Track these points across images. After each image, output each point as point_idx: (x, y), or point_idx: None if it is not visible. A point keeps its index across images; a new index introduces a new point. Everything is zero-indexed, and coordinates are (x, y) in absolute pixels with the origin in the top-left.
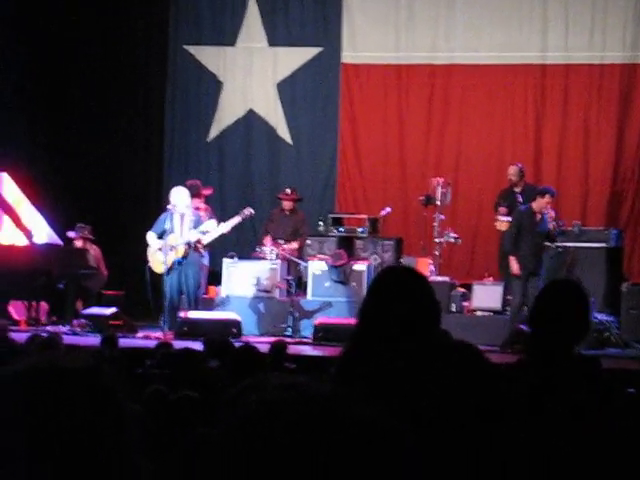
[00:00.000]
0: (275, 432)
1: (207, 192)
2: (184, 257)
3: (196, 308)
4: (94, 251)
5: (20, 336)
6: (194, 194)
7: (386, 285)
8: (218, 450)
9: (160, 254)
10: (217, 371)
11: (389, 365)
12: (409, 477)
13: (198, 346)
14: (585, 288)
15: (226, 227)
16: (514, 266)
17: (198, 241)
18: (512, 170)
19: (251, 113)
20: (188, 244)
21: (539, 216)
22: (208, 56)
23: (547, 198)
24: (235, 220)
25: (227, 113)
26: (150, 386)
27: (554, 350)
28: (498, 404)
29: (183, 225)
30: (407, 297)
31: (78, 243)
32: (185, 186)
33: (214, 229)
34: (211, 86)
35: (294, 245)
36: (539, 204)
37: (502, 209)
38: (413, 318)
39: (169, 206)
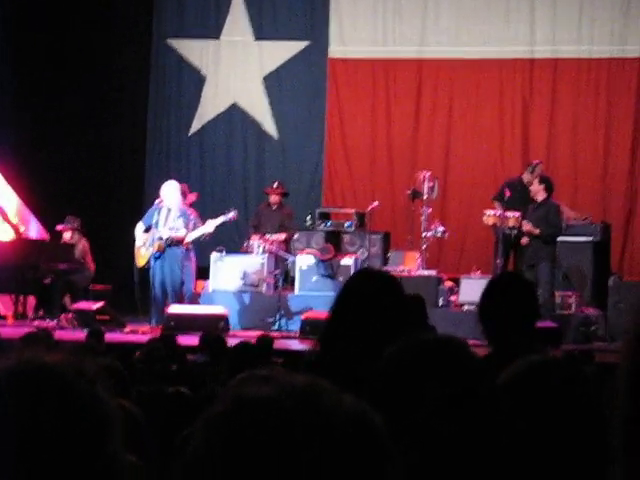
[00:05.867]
0: (250, 428)
1: (192, 198)
2: (160, 252)
3: (180, 303)
4: (82, 245)
5: (6, 330)
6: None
7: (358, 290)
8: (195, 448)
9: (142, 248)
10: (206, 367)
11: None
12: (387, 471)
13: (186, 340)
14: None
15: (210, 226)
16: None
17: (177, 238)
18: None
19: (234, 107)
20: (162, 239)
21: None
22: (191, 50)
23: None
24: (219, 220)
25: (209, 107)
26: (141, 383)
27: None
28: (481, 398)
29: (167, 221)
30: (381, 301)
31: (66, 236)
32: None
33: (184, 233)
34: (194, 80)
35: (281, 236)
36: None
37: (507, 193)
38: (388, 320)
39: (156, 200)
